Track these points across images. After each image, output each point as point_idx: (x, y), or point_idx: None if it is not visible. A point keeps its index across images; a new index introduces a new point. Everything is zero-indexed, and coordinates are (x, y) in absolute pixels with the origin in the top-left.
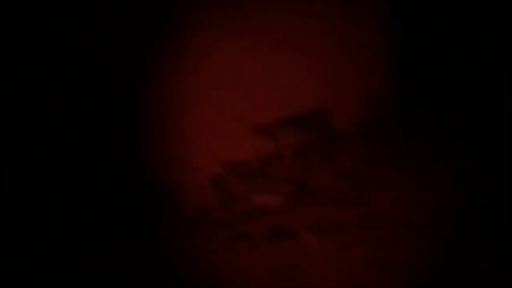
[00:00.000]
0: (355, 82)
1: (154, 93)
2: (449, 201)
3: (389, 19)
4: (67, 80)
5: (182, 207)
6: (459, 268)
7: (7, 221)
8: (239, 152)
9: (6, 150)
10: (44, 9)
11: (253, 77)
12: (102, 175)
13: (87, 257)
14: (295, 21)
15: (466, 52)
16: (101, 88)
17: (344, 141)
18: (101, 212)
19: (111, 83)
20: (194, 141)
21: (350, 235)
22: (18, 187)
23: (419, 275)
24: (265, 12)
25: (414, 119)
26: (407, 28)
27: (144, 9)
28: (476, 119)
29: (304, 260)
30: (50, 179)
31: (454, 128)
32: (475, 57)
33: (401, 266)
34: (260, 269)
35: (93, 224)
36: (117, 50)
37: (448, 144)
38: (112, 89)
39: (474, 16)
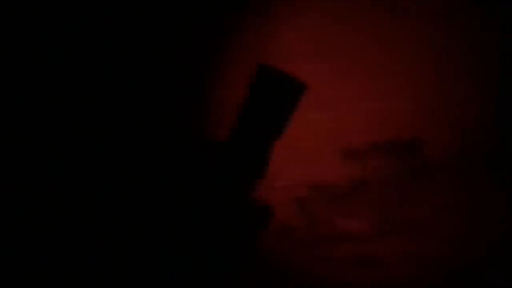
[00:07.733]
0: (453, 111)
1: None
2: None
3: (491, 46)
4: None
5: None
6: None
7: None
8: (326, 175)
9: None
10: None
11: (343, 100)
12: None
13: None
14: (387, 46)
15: None
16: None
17: (439, 172)
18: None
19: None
20: (278, 160)
21: (446, 271)
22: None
23: None
24: (352, 38)
25: None
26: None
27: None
28: None
29: None
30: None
31: None
32: None
33: None
34: None
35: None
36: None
37: None
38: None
39: None
